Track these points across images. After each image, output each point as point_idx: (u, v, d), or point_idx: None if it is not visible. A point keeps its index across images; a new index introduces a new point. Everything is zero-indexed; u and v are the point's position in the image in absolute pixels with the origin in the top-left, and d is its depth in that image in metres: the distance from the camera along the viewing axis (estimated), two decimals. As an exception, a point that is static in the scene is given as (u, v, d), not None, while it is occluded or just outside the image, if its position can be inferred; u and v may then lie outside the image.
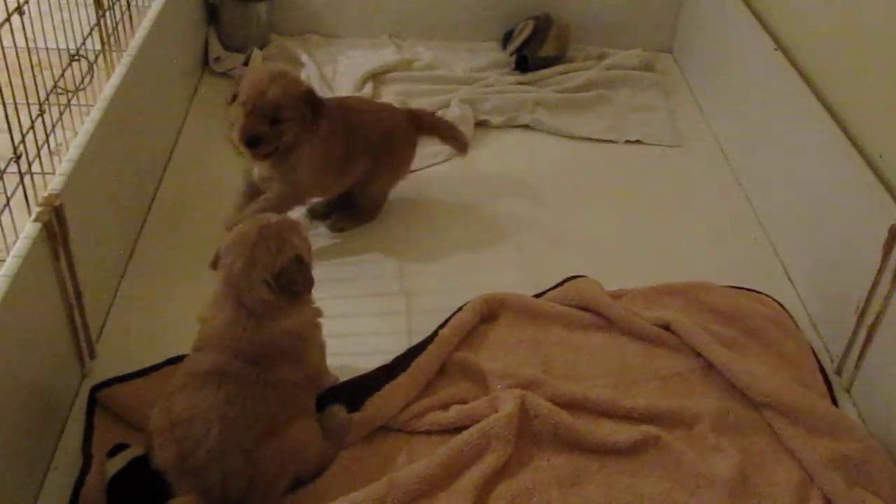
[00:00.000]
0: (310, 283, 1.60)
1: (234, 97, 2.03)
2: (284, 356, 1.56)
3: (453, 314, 1.94)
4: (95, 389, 1.75)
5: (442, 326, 1.90)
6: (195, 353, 1.57)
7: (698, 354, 1.88)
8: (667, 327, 1.93)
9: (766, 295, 2.08)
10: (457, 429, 1.69)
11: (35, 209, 1.64)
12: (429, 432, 1.71)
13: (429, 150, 2.56)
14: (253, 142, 1.98)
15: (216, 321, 1.56)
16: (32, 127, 1.69)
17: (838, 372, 1.91)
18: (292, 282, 1.56)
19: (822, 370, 1.90)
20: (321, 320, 1.66)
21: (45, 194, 1.66)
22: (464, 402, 1.76)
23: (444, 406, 1.75)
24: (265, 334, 1.55)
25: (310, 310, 1.64)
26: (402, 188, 2.42)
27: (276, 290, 1.54)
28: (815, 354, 1.93)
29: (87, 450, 1.66)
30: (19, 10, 1.64)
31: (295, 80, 2.05)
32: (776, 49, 2.39)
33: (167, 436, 1.51)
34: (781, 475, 1.66)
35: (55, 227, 1.64)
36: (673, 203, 2.44)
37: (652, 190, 2.49)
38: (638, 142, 2.68)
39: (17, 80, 1.66)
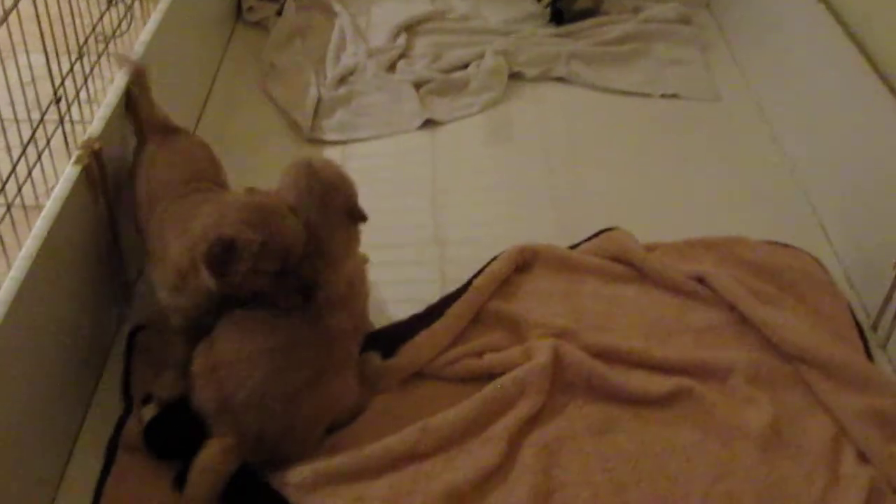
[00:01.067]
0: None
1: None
2: (341, 303, 1.57)
3: (487, 264, 1.94)
4: (133, 332, 1.77)
5: (476, 276, 1.91)
6: None
7: (732, 308, 1.87)
8: (701, 280, 1.92)
9: (802, 250, 2.06)
10: (490, 376, 1.70)
11: (75, 153, 1.65)
12: (462, 380, 1.72)
13: (462, 102, 2.56)
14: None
15: None
16: (72, 70, 1.70)
17: (874, 328, 1.90)
18: (360, 211, 1.62)
19: (858, 326, 1.88)
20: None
21: (85, 138, 1.67)
22: (497, 350, 1.76)
23: (478, 354, 1.76)
24: (330, 278, 1.55)
25: (360, 255, 1.65)
26: (437, 138, 2.42)
27: (353, 223, 1.60)
28: (851, 310, 1.92)
29: (127, 393, 1.69)
30: (59, -46, 1.64)
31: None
32: (819, 0, 2.34)
33: (208, 377, 1.53)
34: (815, 429, 1.66)
35: (95, 170, 1.65)
36: (708, 157, 2.42)
37: (687, 144, 2.47)
38: (674, 95, 2.65)
39: (57, 28, 1.67)
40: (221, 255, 1.44)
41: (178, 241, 1.54)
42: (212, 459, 1.47)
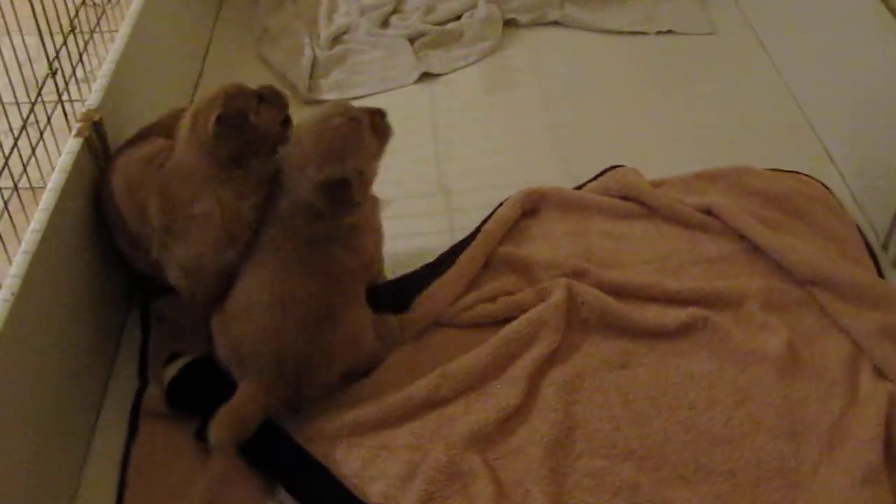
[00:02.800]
0: None
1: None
2: (351, 236, 1.58)
3: (494, 210, 1.94)
4: (146, 303, 1.78)
5: (484, 223, 1.91)
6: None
7: (742, 237, 1.87)
8: (709, 212, 1.92)
9: (809, 176, 2.06)
10: (505, 320, 1.71)
11: (75, 126, 1.65)
12: (478, 325, 1.73)
13: (458, 52, 2.54)
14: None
15: None
16: (65, 43, 1.70)
17: (884, 247, 1.90)
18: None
19: (869, 247, 1.89)
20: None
21: (84, 110, 1.67)
22: (510, 294, 1.77)
23: (492, 299, 1.76)
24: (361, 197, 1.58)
25: (373, 196, 1.67)
26: (435, 90, 2.41)
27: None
28: (860, 231, 1.92)
29: (143, 364, 1.71)
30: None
31: None
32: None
33: (224, 332, 1.56)
34: (831, 349, 1.67)
35: (96, 141, 1.65)
36: (709, 90, 2.40)
37: (687, 79, 2.45)
38: (670, 32, 2.63)
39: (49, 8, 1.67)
40: (228, 123, 1.49)
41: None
42: (238, 404, 1.50)
